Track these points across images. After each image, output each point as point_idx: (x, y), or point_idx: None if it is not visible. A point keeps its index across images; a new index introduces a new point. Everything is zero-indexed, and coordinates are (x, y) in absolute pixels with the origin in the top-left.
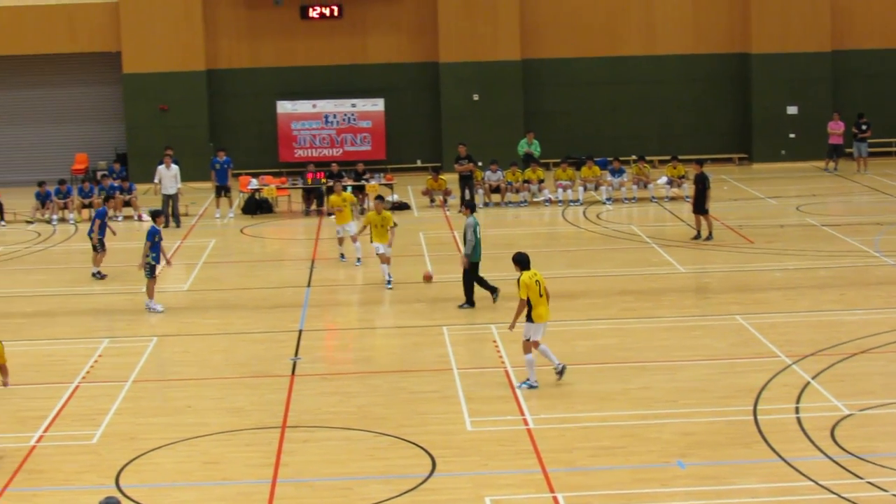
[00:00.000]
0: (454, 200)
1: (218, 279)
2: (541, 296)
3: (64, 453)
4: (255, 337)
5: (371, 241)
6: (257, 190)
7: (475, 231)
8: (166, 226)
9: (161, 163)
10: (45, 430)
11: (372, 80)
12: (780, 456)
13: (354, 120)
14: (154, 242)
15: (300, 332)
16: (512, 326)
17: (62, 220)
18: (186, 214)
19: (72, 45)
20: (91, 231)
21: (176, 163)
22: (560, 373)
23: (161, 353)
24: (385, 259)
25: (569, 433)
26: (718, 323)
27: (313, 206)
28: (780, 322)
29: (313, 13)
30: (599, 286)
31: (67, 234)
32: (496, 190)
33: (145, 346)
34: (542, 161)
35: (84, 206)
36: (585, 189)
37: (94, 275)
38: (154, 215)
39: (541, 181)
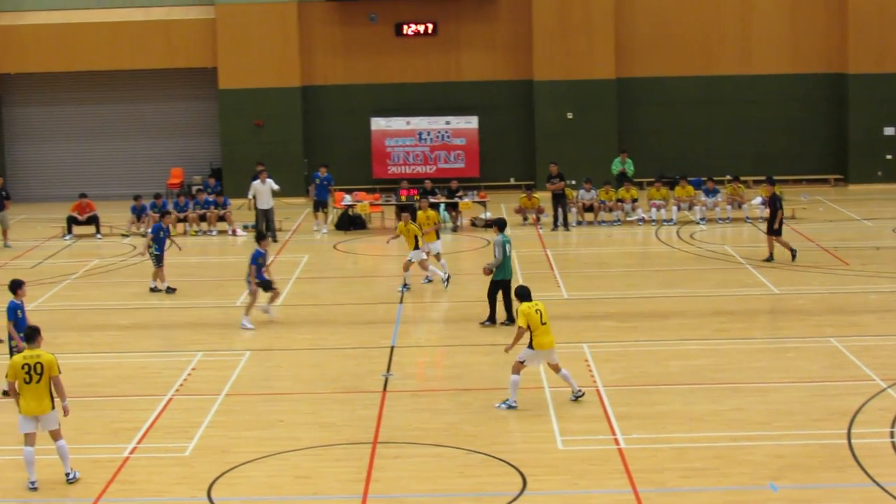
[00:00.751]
0: (547, 219)
1: (311, 294)
2: (543, 324)
3: (157, 465)
4: (347, 352)
5: (423, 243)
6: (351, 206)
7: (504, 248)
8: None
9: (256, 178)
10: (139, 442)
11: (466, 98)
12: (873, 480)
13: (448, 137)
14: (258, 265)
15: (392, 348)
16: (508, 349)
17: None
18: (280, 230)
19: (169, 61)
20: (149, 246)
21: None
22: (576, 398)
23: (254, 367)
24: (437, 257)
25: (660, 454)
26: (812, 345)
27: None
28: (874, 345)
29: (408, 30)
30: (692, 306)
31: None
32: (589, 209)
33: (238, 359)
34: (636, 180)
35: (179, 221)
36: (679, 209)
37: (152, 289)
38: (259, 238)
39: (634, 200)
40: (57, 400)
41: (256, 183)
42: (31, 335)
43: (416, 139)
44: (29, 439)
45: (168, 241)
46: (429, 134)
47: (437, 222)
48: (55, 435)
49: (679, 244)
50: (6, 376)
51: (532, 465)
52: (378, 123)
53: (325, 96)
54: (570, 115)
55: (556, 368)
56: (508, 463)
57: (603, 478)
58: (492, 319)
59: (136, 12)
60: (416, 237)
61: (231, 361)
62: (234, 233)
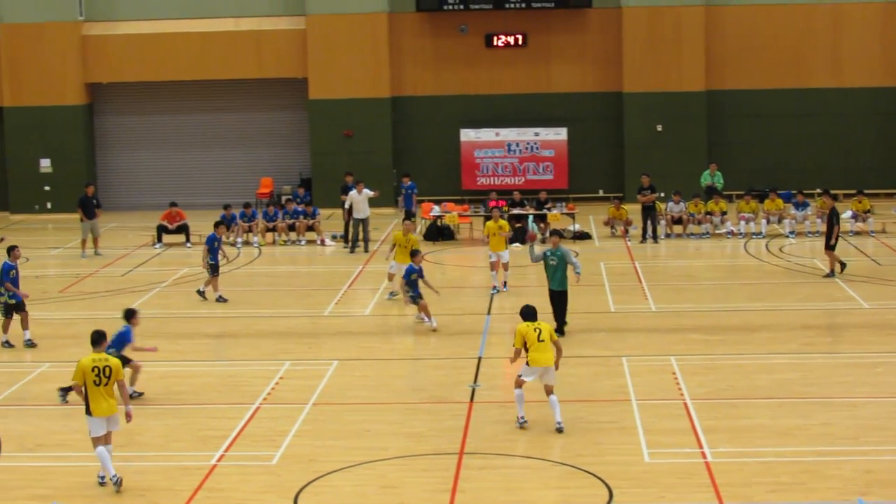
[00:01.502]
0: (636, 231)
1: (399, 305)
2: (540, 340)
3: (244, 473)
4: (434, 363)
5: (391, 260)
6: (439, 217)
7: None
8: (352, 251)
9: (352, 188)
10: (226, 450)
11: (555, 110)
12: None
13: (537, 149)
14: (411, 281)
15: (479, 359)
16: (512, 361)
17: (246, 243)
18: (371, 240)
19: (259, 71)
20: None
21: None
22: (558, 429)
23: (341, 377)
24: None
25: (747, 467)
26: None
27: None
28: None
29: (498, 42)
30: (781, 320)
31: (251, 257)
32: (678, 221)
33: (326, 369)
34: (725, 193)
35: (268, 230)
36: (768, 222)
37: (198, 291)
38: (412, 255)
39: (723, 213)
40: (120, 406)
41: (353, 193)
42: (97, 339)
43: (505, 150)
44: (98, 441)
45: (220, 252)
46: (518, 145)
47: (507, 232)
48: (108, 438)
49: (768, 258)
50: (72, 378)
51: (618, 477)
52: (467, 135)
53: (414, 107)
54: (659, 128)
55: (548, 391)
56: (594, 475)
57: (689, 491)
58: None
59: (226, 22)
60: (411, 250)
61: (319, 371)
62: (322, 242)
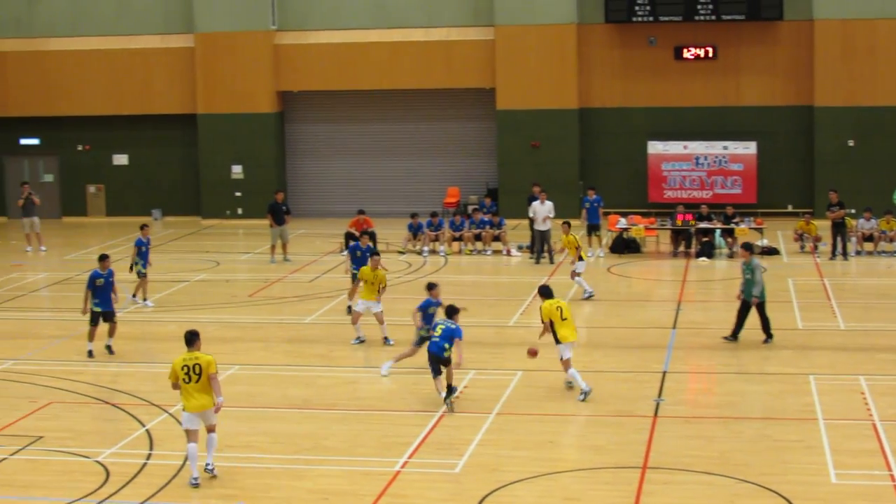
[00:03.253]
0: (825, 248)
1: (584, 317)
2: (563, 319)
3: (427, 480)
4: (618, 376)
5: (355, 298)
6: (626, 229)
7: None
8: (537, 262)
9: (535, 198)
10: (410, 457)
11: (744, 123)
12: None
13: (725, 162)
14: (428, 315)
15: (664, 373)
16: (541, 336)
17: (433, 251)
18: (556, 251)
19: (448, 81)
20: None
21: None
22: (583, 397)
23: (525, 387)
24: (379, 318)
25: None
26: None
27: (681, 248)
28: None
29: (687, 54)
30: None
31: (437, 266)
32: (869, 238)
33: (510, 379)
34: None
35: (454, 240)
36: None
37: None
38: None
39: None
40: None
41: (536, 204)
42: (191, 339)
43: (692, 164)
44: (191, 436)
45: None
46: (706, 159)
47: (578, 246)
48: (211, 428)
49: None
50: (168, 377)
51: (803, 497)
52: (655, 147)
53: (601, 119)
54: (850, 143)
55: (567, 364)
56: (779, 494)
57: None
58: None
59: (416, 33)
60: (379, 288)
61: (503, 380)
62: (508, 253)
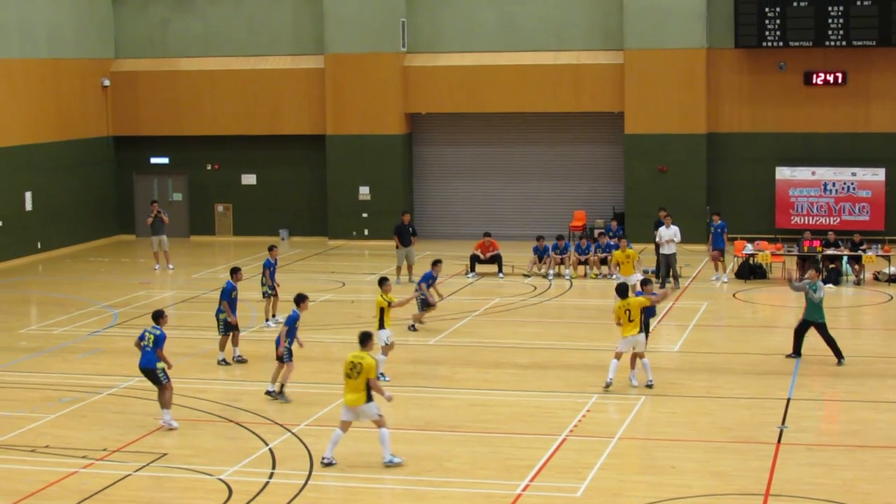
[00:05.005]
0: None
1: (708, 342)
2: (630, 320)
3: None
4: (741, 402)
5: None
6: (752, 255)
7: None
8: (662, 286)
9: (661, 223)
10: (531, 480)
11: (873, 149)
12: None
13: (854, 189)
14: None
15: (788, 400)
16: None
17: (558, 275)
18: (681, 276)
19: (576, 105)
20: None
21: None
22: (649, 386)
23: (648, 412)
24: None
25: None
26: None
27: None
28: None
29: (817, 79)
30: None
31: (562, 289)
32: None
33: (633, 403)
34: None
35: (580, 263)
36: None
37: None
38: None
39: None
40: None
41: (662, 228)
42: (364, 340)
43: (820, 190)
44: (344, 425)
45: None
46: (834, 185)
47: (637, 260)
48: (378, 423)
49: None
50: (343, 369)
51: None
52: (783, 173)
53: (730, 144)
54: None
55: (641, 356)
56: None
57: None
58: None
59: (545, 56)
60: (381, 316)
61: (626, 405)
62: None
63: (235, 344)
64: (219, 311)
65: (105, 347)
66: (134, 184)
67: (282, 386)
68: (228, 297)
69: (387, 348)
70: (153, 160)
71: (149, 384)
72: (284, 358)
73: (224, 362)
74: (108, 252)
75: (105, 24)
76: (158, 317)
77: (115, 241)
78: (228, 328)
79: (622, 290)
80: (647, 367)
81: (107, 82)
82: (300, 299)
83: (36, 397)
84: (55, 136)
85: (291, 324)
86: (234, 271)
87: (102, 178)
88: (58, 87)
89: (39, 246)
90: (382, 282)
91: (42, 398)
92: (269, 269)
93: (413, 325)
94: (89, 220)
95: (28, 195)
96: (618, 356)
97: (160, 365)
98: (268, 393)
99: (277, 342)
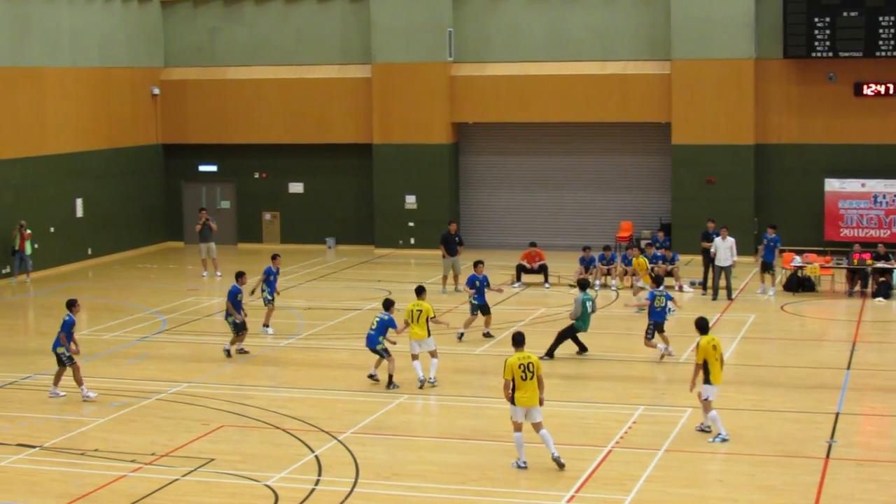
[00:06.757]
0: None
1: (756, 355)
2: (717, 360)
3: None
4: (789, 416)
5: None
6: (800, 267)
7: (584, 305)
8: (714, 298)
9: (709, 234)
10: (577, 491)
11: None
12: None
13: None
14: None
15: (837, 414)
16: (692, 388)
17: (604, 285)
18: (731, 288)
19: (623, 115)
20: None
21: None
22: (703, 430)
23: (695, 424)
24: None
25: None
26: None
27: (857, 288)
28: None
29: (867, 90)
30: None
31: (608, 300)
32: None
33: (680, 415)
34: None
35: (626, 274)
36: None
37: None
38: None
39: None
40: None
41: (718, 240)
42: (521, 340)
43: (870, 202)
44: (517, 427)
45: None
46: (884, 197)
47: (646, 269)
48: (537, 427)
49: None
50: (503, 375)
51: None
52: (832, 184)
53: (778, 155)
54: None
55: (708, 406)
56: None
57: None
58: (549, 355)
59: (592, 66)
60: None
61: (673, 417)
62: (680, 288)
63: (241, 340)
64: (227, 315)
65: (154, 353)
66: (182, 191)
67: (390, 377)
68: (234, 298)
69: (434, 353)
70: (201, 168)
71: (195, 390)
72: (384, 354)
73: (242, 351)
74: (157, 259)
75: (155, 33)
76: (390, 305)
77: (164, 247)
78: (238, 328)
79: (703, 325)
80: (717, 419)
81: (156, 91)
82: (388, 305)
83: (86, 401)
84: (106, 143)
85: (388, 325)
86: (239, 275)
87: (151, 186)
88: (108, 95)
89: (90, 252)
90: (422, 291)
91: (92, 402)
92: (271, 276)
93: (462, 334)
94: (138, 227)
95: (79, 202)
96: (709, 407)
97: (380, 347)
98: (370, 377)
99: (372, 343)
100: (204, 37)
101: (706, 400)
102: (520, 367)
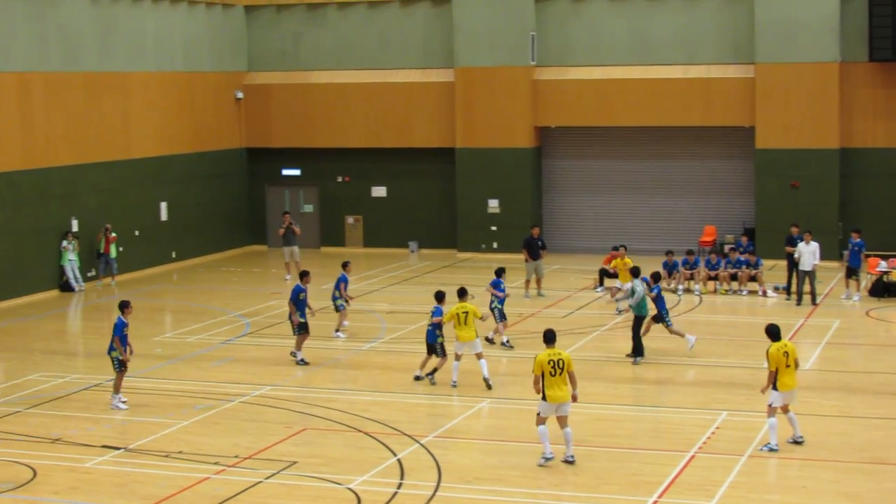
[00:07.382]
0: None
1: (840, 360)
2: (787, 366)
3: None
4: (875, 422)
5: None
6: (886, 272)
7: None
8: (799, 303)
9: (793, 238)
10: (660, 496)
11: None
12: None
13: None
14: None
15: None
16: (764, 390)
17: (688, 290)
18: (815, 293)
19: (706, 119)
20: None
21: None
22: (797, 442)
23: (779, 430)
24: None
25: None
26: None
27: None
28: None
29: None
30: None
31: (691, 305)
32: None
33: (763, 421)
34: None
35: (710, 279)
36: None
37: (487, 339)
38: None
39: None
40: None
41: (801, 245)
42: (551, 337)
43: None
44: (543, 420)
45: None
46: None
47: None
48: (563, 422)
49: None
50: (532, 370)
51: None
52: None
53: (863, 159)
54: None
55: (785, 410)
56: None
57: None
58: (639, 354)
59: (675, 70)
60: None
61: (756, 422)
62: (763, 294)
63: (299, 347)
64: (290, 315)
65: (238, 356)
66: (266, 195)
67: (434, 370)
68: (296, 298)
69: (480, 354)
70: (285, 172)
71: (278, 393)
72: (438, 352)
73: (303, 361)
74: (240, 262)
75: (239, 37)
76: (441, 297)
77: (247, 251)
78: (300, 328)
79: (773, 332)
80: (795, 420)
81: (240, 95)
82: (440, 297)
83: (170, 403)
84: (190, 147)
85: (435, 314)
86: (303, 275)
87: (235, 190)
88: (193, 99)
89: (174, 255)
90: (465, 293)
91: (176, 404)
92: (344, 283)
93: (490, 337)
94: (222, 231)
95: (163, 205)
96: (783, 410)
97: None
98: (416, 378)
99: (432, 337)
100: (287, 41)
101: (770, 405)
102: (549, 363)
